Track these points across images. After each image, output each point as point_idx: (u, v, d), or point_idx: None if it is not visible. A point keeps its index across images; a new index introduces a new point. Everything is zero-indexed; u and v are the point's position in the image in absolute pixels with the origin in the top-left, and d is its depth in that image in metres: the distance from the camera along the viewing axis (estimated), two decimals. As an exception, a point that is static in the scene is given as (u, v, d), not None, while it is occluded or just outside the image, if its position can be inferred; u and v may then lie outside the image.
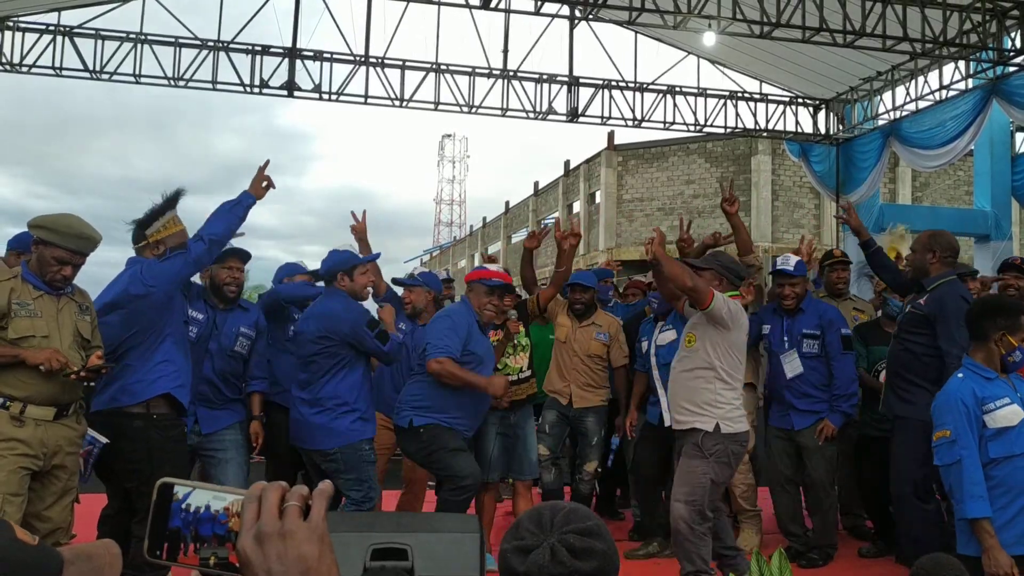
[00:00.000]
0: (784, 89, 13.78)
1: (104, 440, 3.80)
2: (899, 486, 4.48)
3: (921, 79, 11.99)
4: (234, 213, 4.15)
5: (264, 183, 4.27)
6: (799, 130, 13.89)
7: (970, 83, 11.22)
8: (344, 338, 4.41)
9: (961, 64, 11.21)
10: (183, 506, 0.93)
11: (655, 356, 5.32)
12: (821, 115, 13.88)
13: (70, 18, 11.55)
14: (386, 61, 12.08)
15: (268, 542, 0.84)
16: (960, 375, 3.50)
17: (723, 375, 4.20)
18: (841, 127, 13.67)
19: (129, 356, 3.89)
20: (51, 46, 11.45)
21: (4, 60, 11.40)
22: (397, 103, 12.13)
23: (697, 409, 4.21)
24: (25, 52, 11.46)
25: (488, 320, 4.69)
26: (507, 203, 35.59)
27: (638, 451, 5.49)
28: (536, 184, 31.75)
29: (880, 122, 12.90)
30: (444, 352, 4.44)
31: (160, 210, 4.12)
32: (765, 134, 14.27)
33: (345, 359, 4.45)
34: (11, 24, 11.45)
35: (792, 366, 5.14)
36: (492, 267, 4.87)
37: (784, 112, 13.80)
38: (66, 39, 11.47)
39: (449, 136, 71.25)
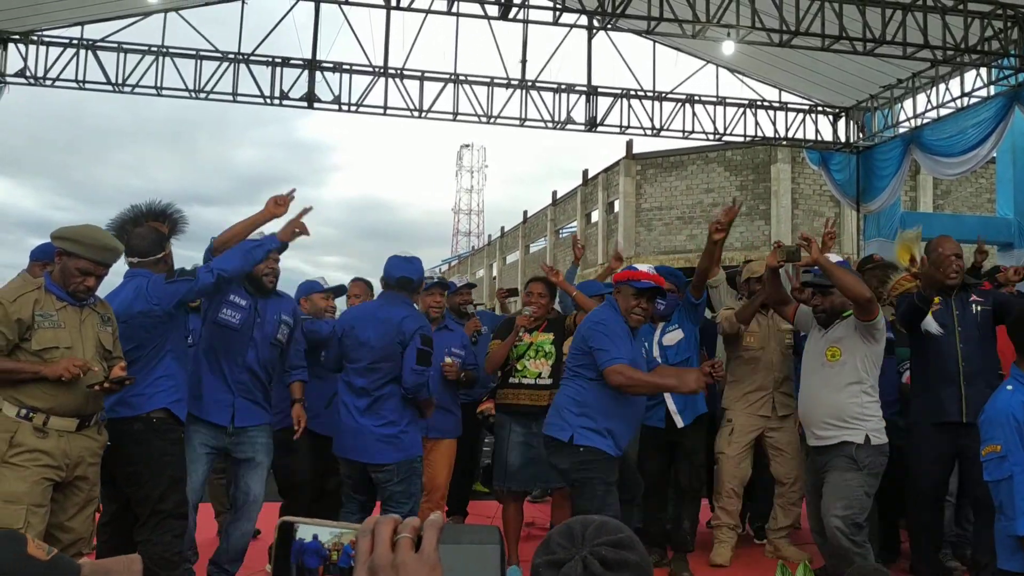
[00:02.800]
0: (804, 97, 13.72)
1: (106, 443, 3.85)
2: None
3: (942, 86, 11.90)
4: (252, 254, 4.17)
5: (297, 229, 4.30)
6: (819, 138, 13.82)
7: (992, 90, 11.12)
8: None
9: (983, 71, 11.11)
10: (297, 540, 0.95)
11: (661, 357, 5.25)
12: (841, 123, 13.81)
13: (93, 32, 11.68)
14: (405, 72, 12.14)
15: (381, 574, 0.87)
16: (1009, 387, 3.42)
17: (868, 388, 4.29)
18: (861, 135, 13.59)
19: (129, 370, 3.90)
20: (74, 60, 11.59)
21: (28, 74, 11.53)
22: (416, 114, 12.18)
23: (844, 423, 4.26)
24: (49, 66, 11.61)
25: (636, 324, 4.41)
26: (525, 213, 35.61)
27: (641, 458, 5.39)
28: (554, 193, 31.75)
29: (901, 130, 12.81)
30: (617, 359, 4.16)
31: (169, 236, 4.32)
32: (785, 143, 14.20)
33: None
34: (35, 38, 11.60)
35: None
36: (643, 267, 4.58)
37: (804, 120, 13.74)
38: (89, 52, 11.60)
39: (467, 146, 71.42)
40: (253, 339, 4.44)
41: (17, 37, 11.55)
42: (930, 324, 4.80)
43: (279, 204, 4.32)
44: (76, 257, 3.63)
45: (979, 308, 4.77)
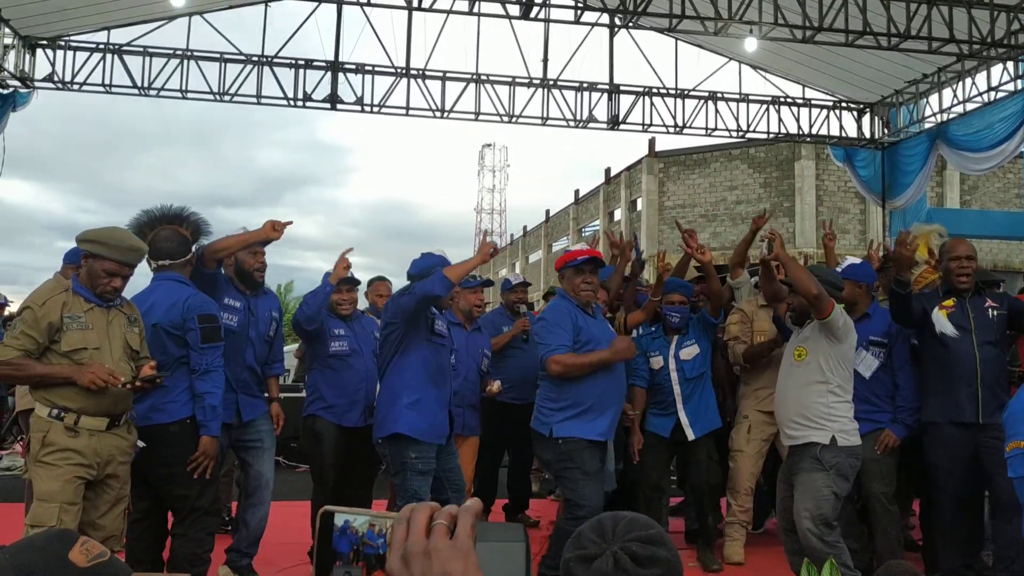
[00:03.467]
0: (827, 93, 13.62)
1: (141, 443, 3.94)
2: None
3: (968, 81, 11.76)
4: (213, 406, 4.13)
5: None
6: (843, 134, 13.70)
7: (1019, 84, 10.98)
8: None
9: (1009, 65, 10.97)
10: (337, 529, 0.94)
11: (677, 371, 5.26)
12: (866, 119, 13.69)
13: (119, 36, 11.82)
14: (427, 73, 12.18)
15: (413, 561, 0.85)
16: None
17: (835, 388, 4.24)
18: (886, 131, 13.47)
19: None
20: (101, 64, 11.73)
21: (56, 78, 11.69)
22: (438, 114, 12.21)
23: (810, 423, 4.25)
24: (76, 70, 11.76)
25: (586, 300, 4.56)
26: (548, 212, 35.60)
27: (642, 459, 5.38)
28: (577, 192, 31.72)
29: (926, 125, 12.68)
30: (555, 350, 4.35)
31: (193, 239, 4.44)
32: (809, 139, 14.10)
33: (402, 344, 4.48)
34: (63, 43, 11.75)
35: (867, 364, 4.93)
36: (576, 247, 4.77)
37: (828, 117, 13.63)
38: (115, 57, 11.74)
39: (489, 146, 71.44)
40: (250, 339, 4.58)
41: (45, 43, 11.71)
42: (945, 326, 4.76)
43: (276, 230, 4.41)
44: (102, 259, 3.68)
45: (995, 312, 4.76)
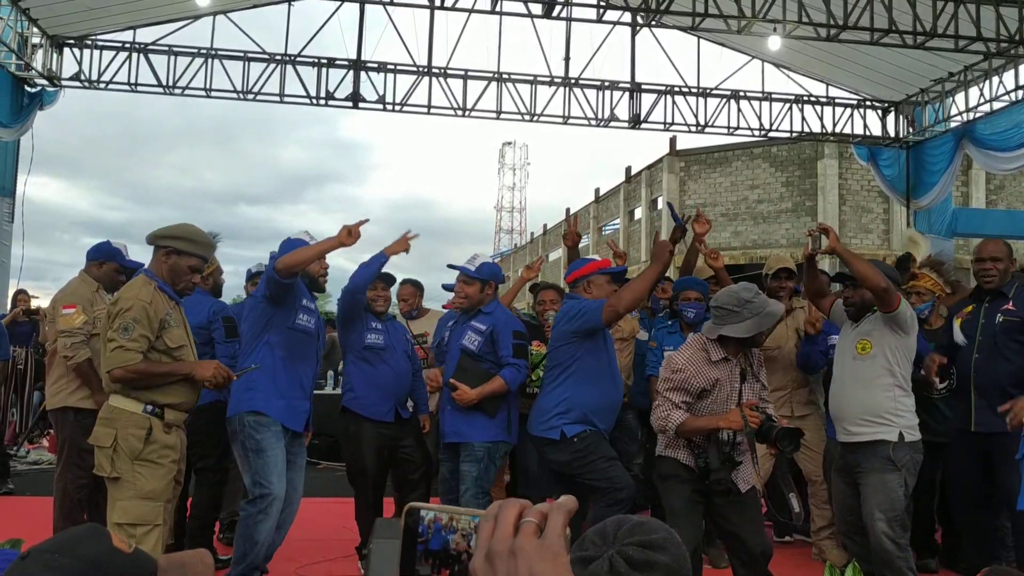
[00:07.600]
0: (852, 92, 13.52)
1: None
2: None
3: (996, 79, 11.65)
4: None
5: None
6: (867, 133, 13.61)
7: (1048, 82, 10.88)
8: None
9: (1038, 63, 10.88)
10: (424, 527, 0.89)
11: None
12: (890, 118, 13.58)
13: (144, 35, 11.95)
14: (448, 71, 12.21)
15: (498, 560, 0.79)
16: None
17: (901, 382, 4.18)
18: (911, 130, 13.36)
19: None
20: (127, 63, 11.85)
21: (83, 77, 11.83)
22: (459, 112, 12.25)
23: (879, 419, 4.15)
24: (103, 69, 11.89)
25: None
26: (568, 210, 35.55)
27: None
28: (597, 191, 31.65)
29: (952, 124, 12.57)
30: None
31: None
32: (832, 138, 14.01)
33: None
34: (89, 42, 11.88)
35: None
36: (596, 258, 4.82)
37: (852, 115, 13.54)
38: (141, 56, 11.86)
39: (509, 143, 71.51)
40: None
41: (72, 42, 11.85)
42: (957, 335, 4.79)
43: (351, 235, 4.18)
44: (188, 255, 3.73)
45: (1002, 318, 4.64)
